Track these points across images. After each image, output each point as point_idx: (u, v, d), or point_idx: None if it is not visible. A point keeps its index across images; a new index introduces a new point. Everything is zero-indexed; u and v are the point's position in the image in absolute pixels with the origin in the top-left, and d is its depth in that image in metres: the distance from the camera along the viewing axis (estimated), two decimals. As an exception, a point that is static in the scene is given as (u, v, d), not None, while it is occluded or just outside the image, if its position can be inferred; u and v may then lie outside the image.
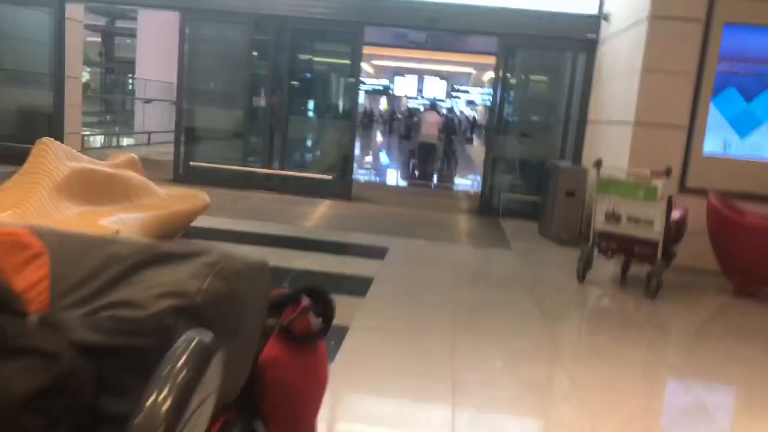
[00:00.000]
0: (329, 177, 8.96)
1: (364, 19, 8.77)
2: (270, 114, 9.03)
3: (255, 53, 8.95)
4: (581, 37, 8.43)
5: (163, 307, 1.00)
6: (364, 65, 30.38)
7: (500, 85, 8.95)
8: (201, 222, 6.44)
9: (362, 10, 8.69)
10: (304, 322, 1.35)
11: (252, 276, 1.19)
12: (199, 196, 5.38)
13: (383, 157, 21.67)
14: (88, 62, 28.47)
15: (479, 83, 32.33)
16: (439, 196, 10.92)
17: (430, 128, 13.49)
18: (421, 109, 29.94)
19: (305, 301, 1.40)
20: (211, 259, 1.11)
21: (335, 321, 4.36)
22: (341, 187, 9.09)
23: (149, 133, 15.01)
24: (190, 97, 9.23)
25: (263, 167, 9.06)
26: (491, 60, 21.74)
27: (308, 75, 10.10)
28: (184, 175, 9.11)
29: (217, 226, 6.59)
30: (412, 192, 11.92)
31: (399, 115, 32.46)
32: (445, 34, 23.49)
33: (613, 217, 5.58)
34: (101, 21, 25.23)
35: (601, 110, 7.91)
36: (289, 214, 7.59)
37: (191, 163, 9.03)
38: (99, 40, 27.40)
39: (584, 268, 5.70)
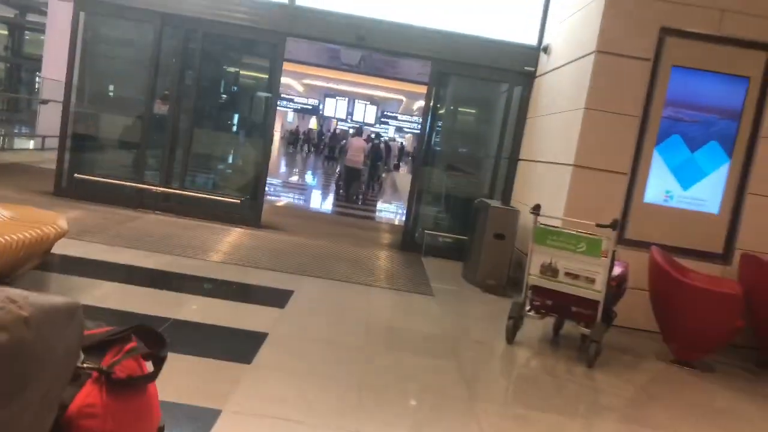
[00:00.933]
0: (236, 201, 7.89)
1: (287, 30, 7.84)
2: (172, 125, 7.88)
3: (159, 56, 7.80)
4: (518, 69, 7.84)
5: None
6: (294, 83, 29.44)
7: (430, 113, 8.22)
8: (68, 248, 5.29)
9: (285, 19, 7.77)
10: (128, 364, 1.21)
11: (50, 321, 0.98)
12: (53, 221, 4.24)
13: (305, 179, 20.63)
14: (-8, 56, 26.09)
15: (409, 111, 31.99)
16: (359, 227, 10.05)
17: (355, 153, 13.60)
18: (350, 132, 29.52)
19: (133, 341, 1.27)
20: None
21: (202, 404, 3.11)
22: (250, 212, 8.05)
23: (44, 137, 13.39)
24: (80, 98, 7.97)
25: (160, 185, 7.89)
26: (422, 89, 21.49)
27: (221, 86, 9.06)
28: (67, 188, 7.81)
29: (86, 254, 5.42)
30: (332, 220, 10.99)
31: (324, 136, 31.65)
32: (378, 59, 22.94)
33: (549, 270, 4.86)
34: (10, 13, 23.09)
35: (535, 148, 7.30)
36: (183, 243, 6.48)
37: (76, 174, 7.74)
38: (6, 32, 25.08)
39: (514, 327, 4.93)
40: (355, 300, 5.52)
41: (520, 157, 7.83)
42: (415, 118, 31.65)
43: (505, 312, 5.11)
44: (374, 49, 8.37)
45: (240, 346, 3.97)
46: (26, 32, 24.89)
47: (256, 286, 5.46)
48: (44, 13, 18.17)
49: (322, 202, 14.98)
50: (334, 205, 14.02)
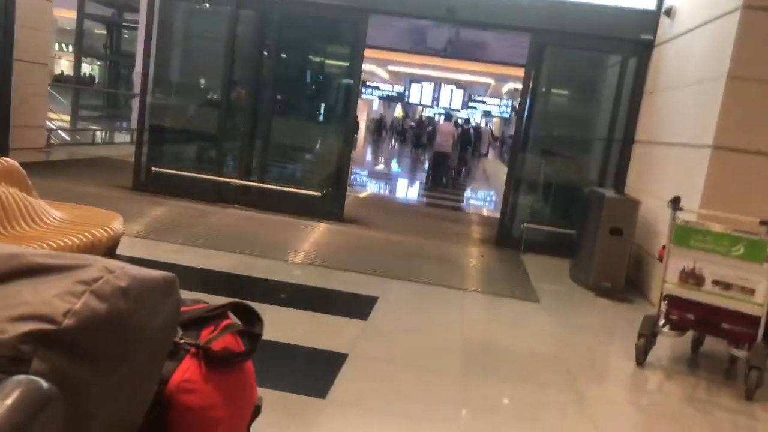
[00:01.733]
0: (318, 193, 7.29)
1: (369, 6, 7.11)
2: (250, 115, 7.37)
3: (235, 42, 7.28)
4: (633, 37, 6.73)
5: (19, 333, 0.79)
6: (379, 70, 28.86)
7: (529, 92, 7.25)
8: (137, 249, 4.87)
9: (367, -6, 7.04)
10: (224, 341, 1.18)
11: (147, 293, 0.94)
12: (106, 222, 3.73)
13: (390, 168, 20.00)
14: (96, 54, 27.25)
15: (498, 94, 30.68)
16: (449, 219, 9.23)
17: (445, 138, 13.58)
18: (436, 118, 28.86)
19: (229, 318, 1.24)
20: (89, 275, 0.86)
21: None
22: (332, 205, 7.43)
23: (133, 130, 13.42)
24: (157, 88, 7.60)
25: (239, 178, 7.41)
26: (511, 71, 20.34)
27: (300, 72, 8.46)
28: (145, 182, 7.48)
29: (155, 255, 4.95)
30: (419, 212, 10.23)
31: (412, 123, 30.91)
32: (465, 41, 21.78)
33: (692, 277, 3.88)
34: (108, 12, 23.82)
35: (656, 128, 6.20)
36: (260, 241, 5.93)
37: (154, 168, 7.40)
38: (105, 31, 25.97)
39: (646, 346, 3.99)
40: (447, 309, 4.74)
41: (637, 139, 6.75)
42: (504, 102, 30.37)
43: (627, 322, 4.21)
44: (466, 24, 7.54)
45: (314, 373, 3.30)
46: (124, 30, 25.68)
47: (337, 291, 4.79)
48: (138, 11, 18.48)
49: (408, 191, 14.32)
50: (421, 195, 13.30)
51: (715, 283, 3.80)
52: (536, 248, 7.03)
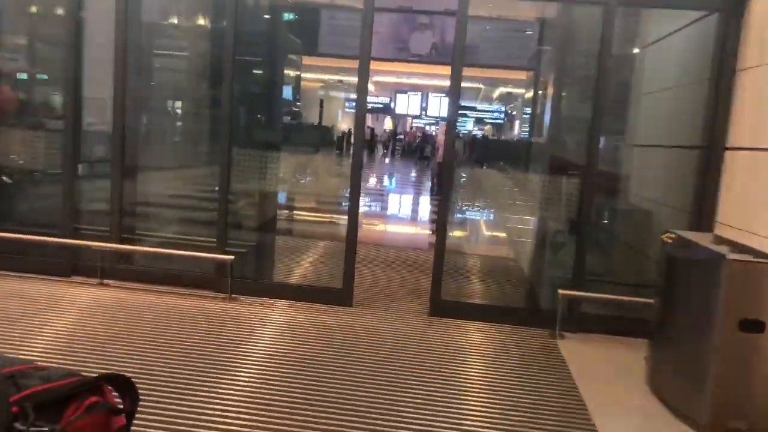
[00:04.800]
0: (228, 257, 4.45)
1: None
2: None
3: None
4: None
5: None
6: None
7: (554, 75, 4.50)
8: None
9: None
10: (89, 421, 1.01)
11: None
12: None
13: (387, 188, 17.25)
14: None
15: (489, 100, 28.01)
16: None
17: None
18: (427, 128, 26.80)
19: (101, 394, 1.05)
20: None
21: None
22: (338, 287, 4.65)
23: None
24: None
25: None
26: (501, 74, 17.91)
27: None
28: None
29: None
30: (414, 257, 7.41)
31: (401, 136, 28.38)
32: (450, 46, 19.34)
33: None
34: None
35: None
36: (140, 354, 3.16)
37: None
38: None
39: None
40: None
41: (731, 145, 3.98)
42: (497, 107, 27.86)
43: None
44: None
45: None
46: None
47: None
48: None
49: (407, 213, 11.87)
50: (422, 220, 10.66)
51: None
52: (578, 324, 4.25)
